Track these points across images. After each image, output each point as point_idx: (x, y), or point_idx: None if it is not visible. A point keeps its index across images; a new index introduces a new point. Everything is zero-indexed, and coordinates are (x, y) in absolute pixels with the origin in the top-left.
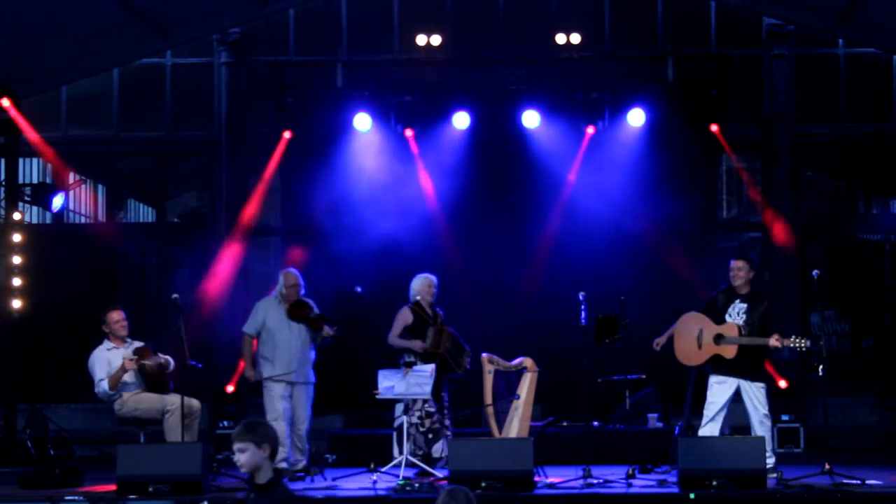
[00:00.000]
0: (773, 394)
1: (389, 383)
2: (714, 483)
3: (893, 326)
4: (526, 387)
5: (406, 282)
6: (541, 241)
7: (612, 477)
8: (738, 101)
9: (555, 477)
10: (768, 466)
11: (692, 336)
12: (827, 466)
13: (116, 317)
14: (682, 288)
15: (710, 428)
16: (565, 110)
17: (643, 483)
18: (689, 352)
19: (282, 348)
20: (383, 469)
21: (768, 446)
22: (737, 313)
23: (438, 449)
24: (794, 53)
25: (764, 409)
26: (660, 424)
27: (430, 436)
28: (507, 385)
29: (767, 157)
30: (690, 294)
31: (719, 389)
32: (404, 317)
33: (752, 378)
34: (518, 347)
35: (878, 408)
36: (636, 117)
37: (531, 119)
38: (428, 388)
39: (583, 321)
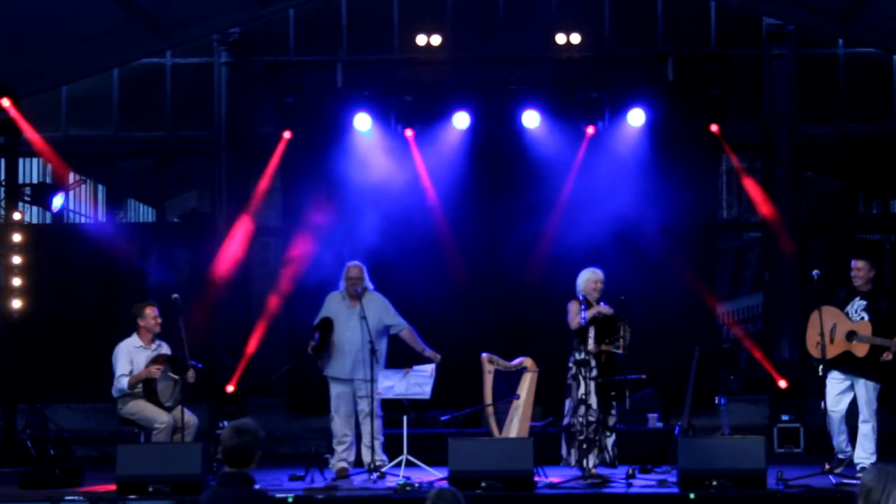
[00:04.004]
0: (779, 395)
1: (389, 383)
2: (714, 483)
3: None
4: (526, 387)
5: (404, 282)
6: (541, 241)
7: (612, 477)
8: (739, 101)
9: (555, 477)
10: (868, 465)
11: (826, 329)
12: (827, 466)
13: (151, 313)
14: (681, 288)
15: (832, 418)
16: (565, 110)
17: (643, 483)
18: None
19: (340, 344)
20: (383, 469)
21: (871, 445)
22: (855, 311)
23: (592, 460)
24: (794, 53)
25: (874, 407)
26: (660, 424)
27: (585, 445)
28: (507, 385)
29: (767, 157)
30: (690, 294)
31: (837, 385)
32: (576, 308)
33: (870, 377)
34: (518, 347)
35: (881, 408)
36: (636, 117)
37: (531, 119)
38: (428, 389)
39: (583, 321)
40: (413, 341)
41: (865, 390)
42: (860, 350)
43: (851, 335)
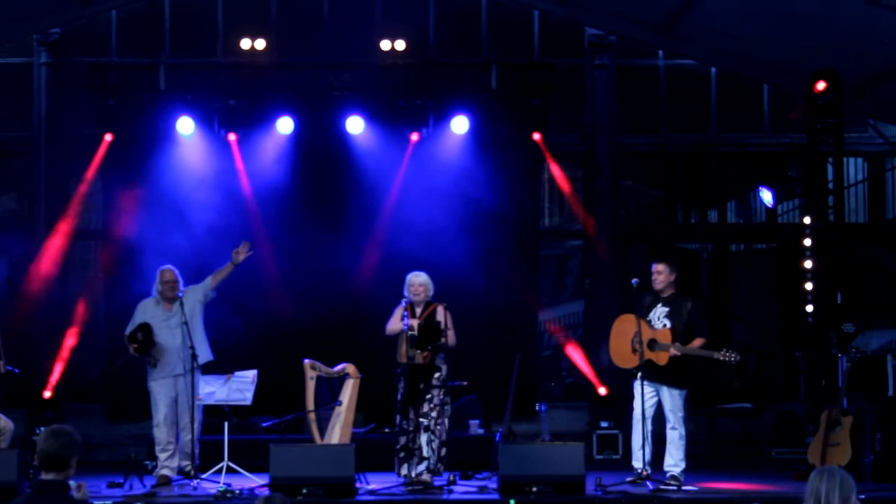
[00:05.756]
0: (599, 402)
1: (211, 389)
2: (534, 489)
3: (710, 335)
4: (348, 393)
5: (225, 287)
6: (365, 247)
7: (437, 481)
8: (561, 109)
9: (376, 483)
10: (677, 473)
11: (627, 338)
12: (645, 473)
13: None
14: (505, 295)
15: (637, 432)
16: (389, 116)
17: (464, 489)
18: (623, 354)
19: (162, 349)
20: (204, 475)
21: (680, 452)
22: (657, 317)
23: (406, 468)
24: (615, 64)
25: (680, 414)
26: (481, 431)
27: (402, 454)
28: (329, 391)
29: (588, 166)
30: (512, 301)
31: (644, 394)
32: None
33: (673, 384)
34: (341, 354)
35: (693, 415)
36: (460, 125)
37: (355, 125)
38: (249, 395)
39: (405, 328)
40: (222, 274)
41: (671, 397)
42: (661, 359)
43: (652, 344)
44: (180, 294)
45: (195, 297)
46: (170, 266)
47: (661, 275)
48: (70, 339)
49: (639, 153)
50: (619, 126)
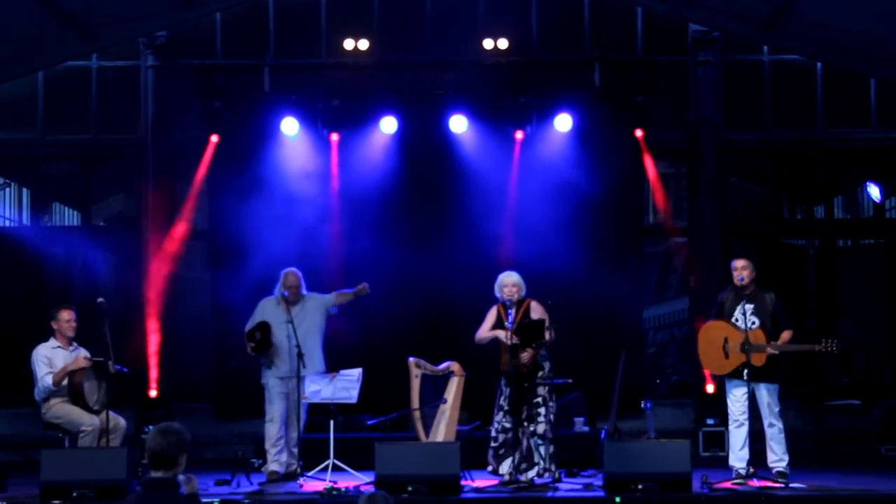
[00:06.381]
0: (705, 399)
1: (316, 387)
2: (639, 486)
3: (817, 331)
4: (453, 391)
5: (331, 287)
6: (468, 245)
7: (538, 481)
8: (665, 106)
9: (481, 481)
10: (782, 468)
11: (718, 345)
12: (751, 470)
13: (66, 316)
14: (609, 292)
15: (738, 433)
16: (492, 115)
17: (569, 487)
18: (717, 361)
19: (279, 348)
20: (310, 473)
21: (782, 447)
22: (743, 315)
23: (506, 466)
24: (719, 60)
25: (777, 409)
26: (586, 428)
27: (502, 451)
28: (433, 389)
29: (693, 163)
30: (618, 298)
31: (740, 395)
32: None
33: (768, 380)
34: (445, 352)
35: (801, 412)
36: (563, 122)
37: (458, 123)
38: (355, 393)
39: (509, 325)
40: (345, 298)
41: (767, 394)
42: (758, 359)
43: (746, 345)
44: (300, 295)
45: (317, 305)
46: (293, 269)
47: (745, 270)
48: (181, 339)
49: (744, 149)
50: (724, 122)
